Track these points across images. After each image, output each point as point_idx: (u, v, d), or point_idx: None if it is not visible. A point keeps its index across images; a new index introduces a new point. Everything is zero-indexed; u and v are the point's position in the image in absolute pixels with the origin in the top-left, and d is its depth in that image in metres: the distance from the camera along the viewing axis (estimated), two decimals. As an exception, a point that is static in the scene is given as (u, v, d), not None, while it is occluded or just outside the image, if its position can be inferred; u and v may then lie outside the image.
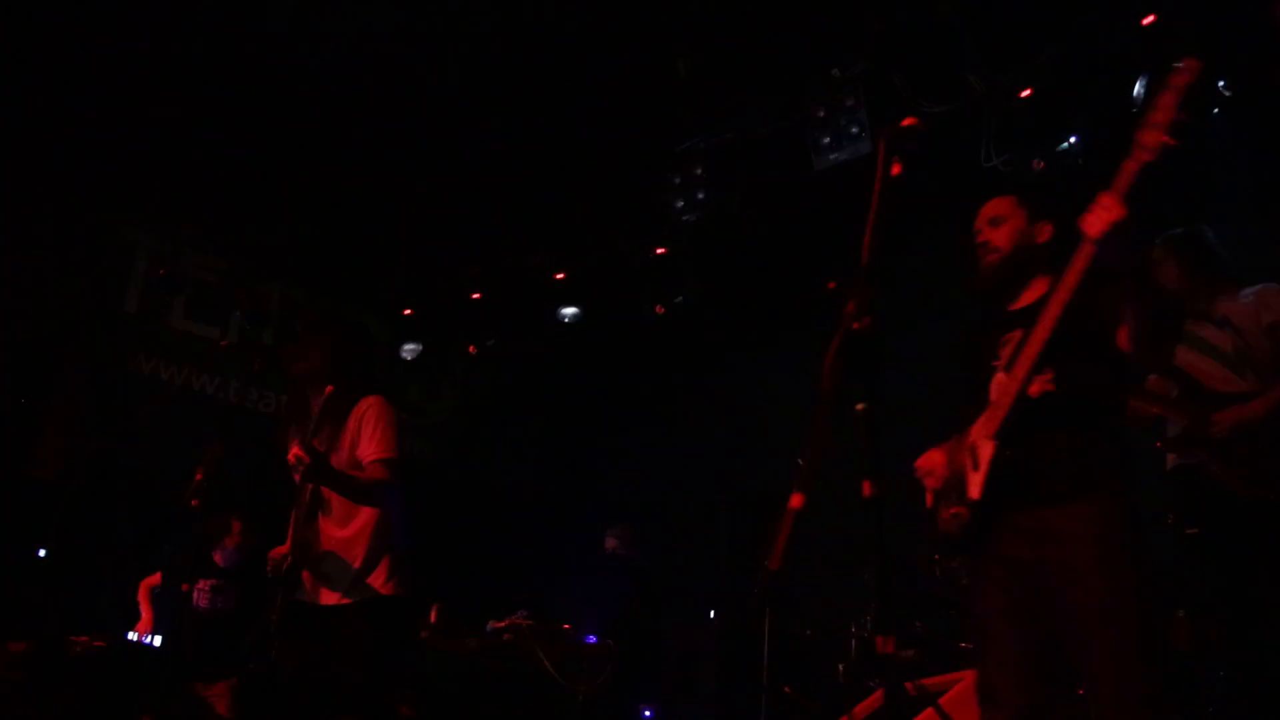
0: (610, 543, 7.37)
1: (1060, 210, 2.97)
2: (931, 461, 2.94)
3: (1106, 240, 2.42)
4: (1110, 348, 2.68)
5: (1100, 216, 2.43)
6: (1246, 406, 3.94)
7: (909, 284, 6.57)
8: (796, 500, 1.53)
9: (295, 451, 3.57)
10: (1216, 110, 5.51)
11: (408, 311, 8.66)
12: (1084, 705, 3.07)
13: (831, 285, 1.73)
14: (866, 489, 1.59)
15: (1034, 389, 2.63)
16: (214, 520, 5.88)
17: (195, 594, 5.81)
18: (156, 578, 6.08)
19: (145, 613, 6.00)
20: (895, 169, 1.97)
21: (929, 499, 2.94)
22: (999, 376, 2.75)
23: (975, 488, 2.68)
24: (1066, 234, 2.84)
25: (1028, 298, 2.92)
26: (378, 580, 3.75)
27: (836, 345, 1.67)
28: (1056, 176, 5.84)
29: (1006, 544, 2.68)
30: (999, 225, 2.97)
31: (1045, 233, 2.96)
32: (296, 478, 3.67)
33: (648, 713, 6.37)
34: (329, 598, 3.74)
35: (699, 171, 6.97)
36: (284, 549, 3.80)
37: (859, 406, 1.64)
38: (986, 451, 2.67)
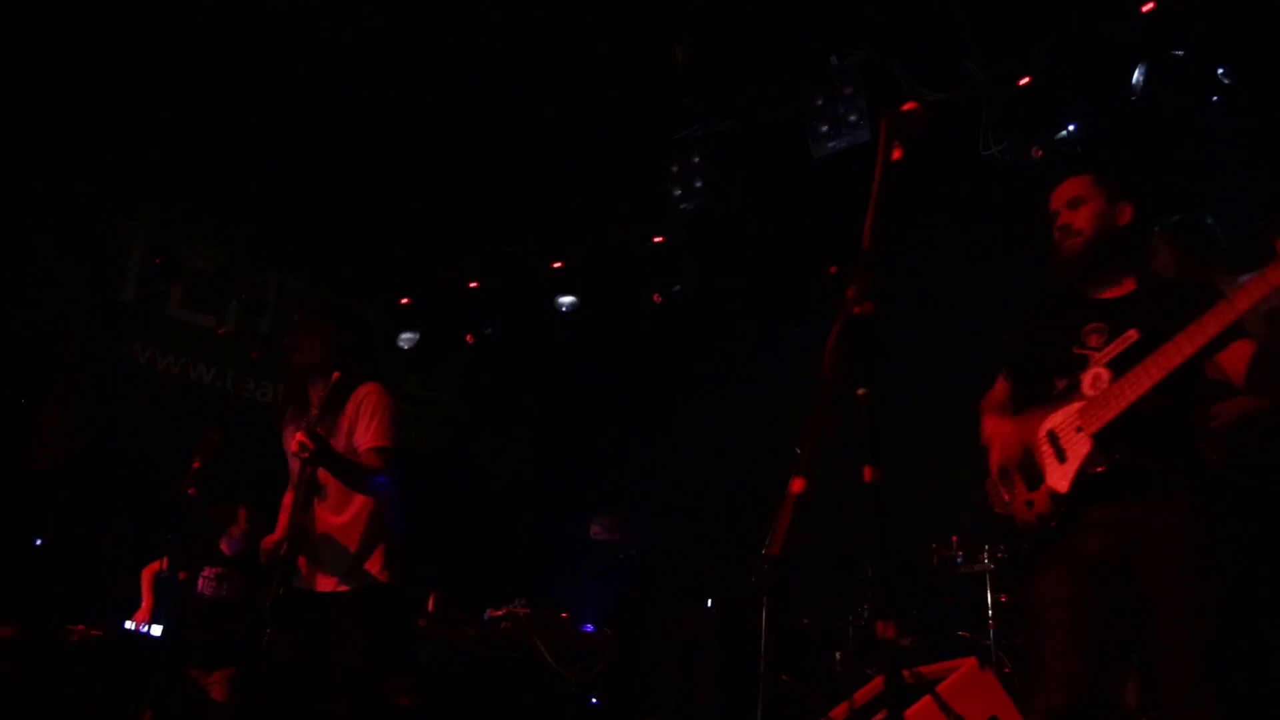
0: (594, 529, 7.38)
1: (1139, 190, 2.94)
2: (1003, 432, 2.92)
3: None
4: (1206, 367, 2.68)
5: None
6: (1249, 398, 3.92)
7: (911, 270, 6.57)
8: (798, 485, 1.52)
9: (300, 438, 3.57)
10: (1216, 98, 5.49)
11: (405, 300, 8.64)
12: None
13: (833, 270, 1.73)
14: (867, 474, 1.58)
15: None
16: (220, 509, 5.89)
17: (200, 582, 5.82)
18: (160, 564, 6.07)
19: (146, 599, 6.00)
20: (896, 154, 1.96)
21: (994, 470, 2.93)
22: (1099, 372, 2.71)
23: (1064, 480, 2.69)
24: (1147, 215, 2.90)
25: (1115, 290, 2.89)
26: (374, 567, 3.76)
27: (837, 330, 1.66)
28: (1055, 165, 5.84)
29: (1084, 537, 2.69)
30: (1079, 207, 2.92)
31: (1126, 214, 2.92)
32: (296, 464, 3.66)
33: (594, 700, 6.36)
34: (325, 584, 3.74)
35: (697, 160, 6.95)
36: (276, 536, 3.80)
37: (859, 391, 1.63)
38: (1082, 448, 2.67)
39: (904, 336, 6.45)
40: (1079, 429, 2.69)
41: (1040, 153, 5.81)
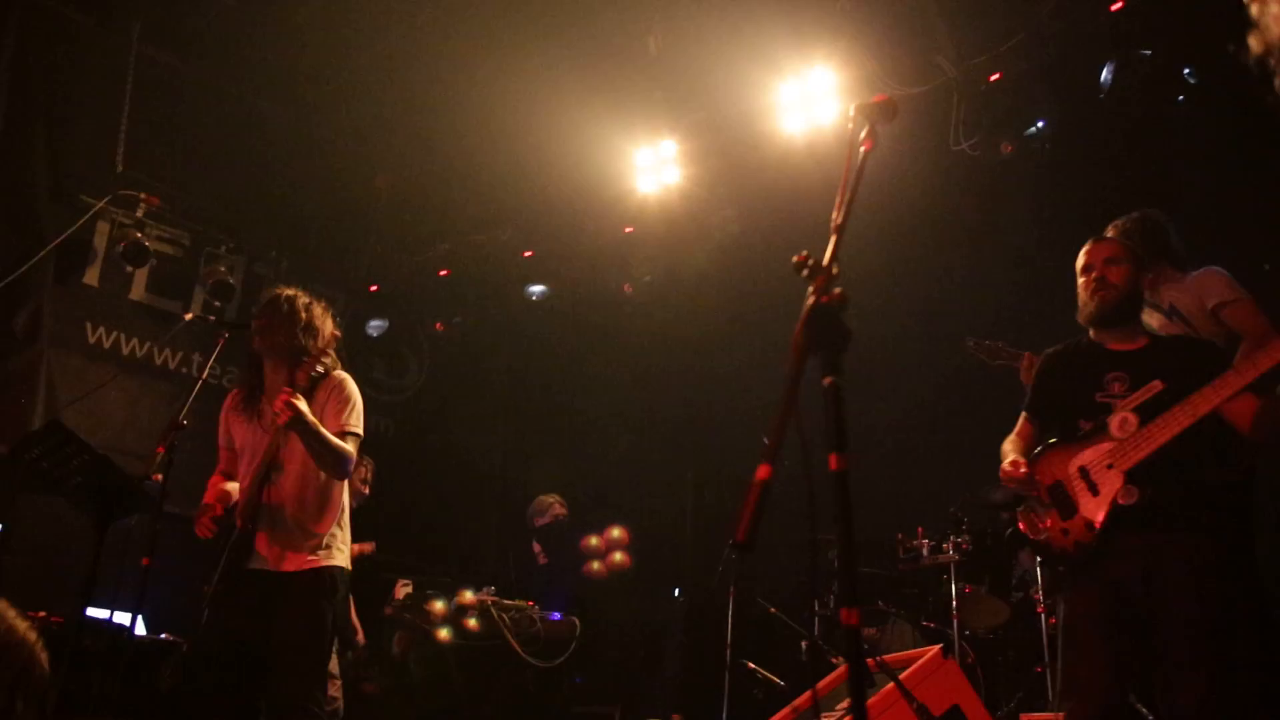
0: (560, 510, 7.27)
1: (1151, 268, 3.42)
2: (1019, 465, 3.24)
3: None
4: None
5: None
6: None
7: (881, 263, 6.61)
8: (763, 472, 1.53)
9: (284, 398, 3.53)
10: (1181, 98, 5.55)
11: (374, 288, 8.58)
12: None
13: (800, 257, 1.74)
14: (833, 462, 1.59)
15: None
16: None
17: None
18: None
19: None
20: (866, 145, 1.98)
21: (1040, 494, 3.23)
22: (1126, 416, 3.06)
23: (1099, 512, 3.04)
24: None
25: (1130, 344, 3.25)
26: (334, 549, 3.76)
27: (804, 318, 1.67)
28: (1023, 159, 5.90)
29: (1112, 561, 3.03)
30: (1116, 265, 3.28)
31: (1147, 283, 3.39)
32: (281, 420, 3.59)
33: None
34: (285, 564, 3.72)
35: (669, 149, 6.96)
36: (234, 510, 3.78)
37: (826, 380, 1.64)
38: (1115, 483, 3.03)
39: (873, 330, 6.50)
40: (1109, 466, 3.04)
41: (1009, 148, 5.87)
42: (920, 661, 4.03)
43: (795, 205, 6.36)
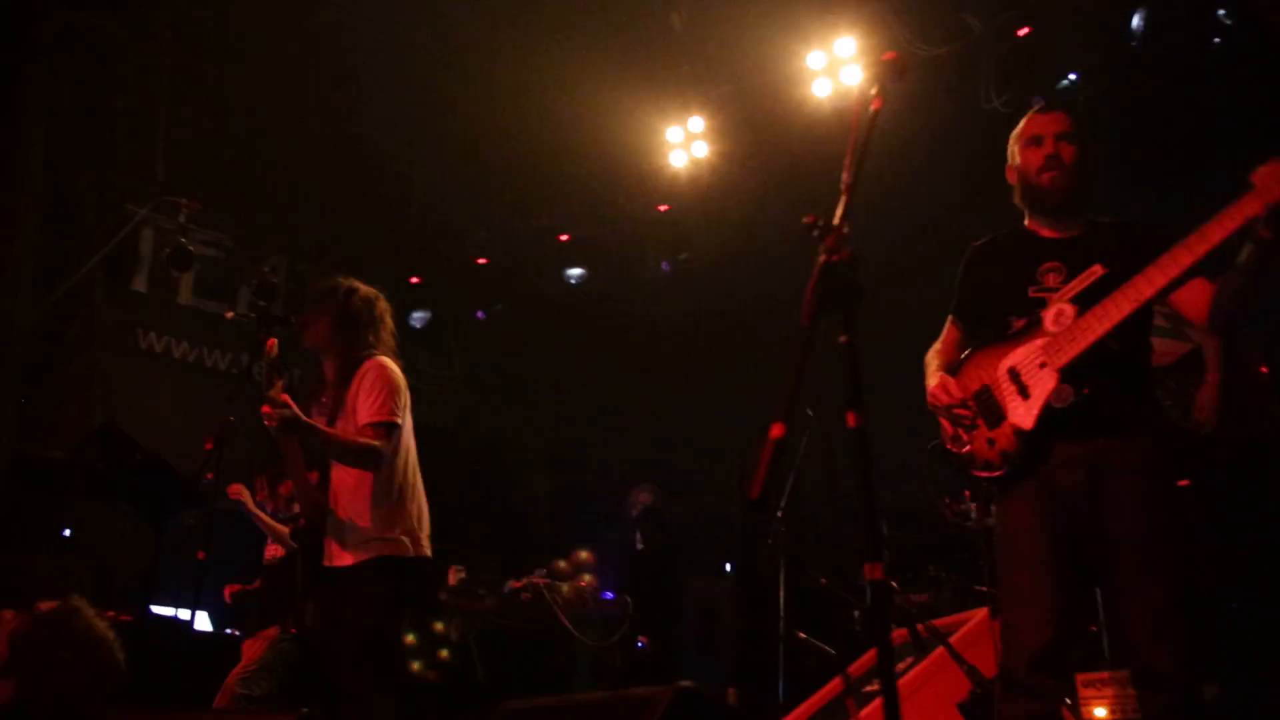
0: (642, 497, 7.33)
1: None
2: (947, 388, 2.83)
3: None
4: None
5: None
6: (1206, 386, 3.86)
7: (918, 225, 6.54)
8: (777, 430, 1.54)
9: (264, 409, 3.45)
10: (1217, 40, 5.42)
11: (415, 280, 8.67)
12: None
13: (810, 219, 1.73)
14: (850, 420, 1.60)
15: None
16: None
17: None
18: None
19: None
20: (875, 104, 1.96)
21: (948, 429, 2.86)
22: (1063, 308, 2.66)
23: (1028, 417, 2.64)
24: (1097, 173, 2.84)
25: (1068, 231, 2.82)
26: (390, 539, 3.74)
27: (814, 277, 1.67)
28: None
29: (1053, 471, 2.65)
30: (1069, 141, 2.82)
31: (1096, 161, 2.88)
32: (270, 425, 3.53)
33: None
34: (344, 559, 3.74)
35: (698, 125, 6.94)
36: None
37: (841, 339, 1.64)
38: (1047, 383, 2.62)
39: (909, 290, 6.44)
40: (1042, 364, 2.65)
41: (1041, 103, 5.77)
42: (969, 624, 4.02)
43: (827, 173, 6.31)
